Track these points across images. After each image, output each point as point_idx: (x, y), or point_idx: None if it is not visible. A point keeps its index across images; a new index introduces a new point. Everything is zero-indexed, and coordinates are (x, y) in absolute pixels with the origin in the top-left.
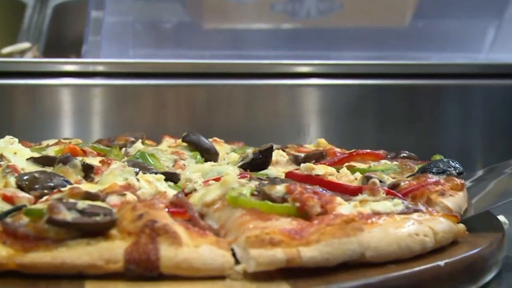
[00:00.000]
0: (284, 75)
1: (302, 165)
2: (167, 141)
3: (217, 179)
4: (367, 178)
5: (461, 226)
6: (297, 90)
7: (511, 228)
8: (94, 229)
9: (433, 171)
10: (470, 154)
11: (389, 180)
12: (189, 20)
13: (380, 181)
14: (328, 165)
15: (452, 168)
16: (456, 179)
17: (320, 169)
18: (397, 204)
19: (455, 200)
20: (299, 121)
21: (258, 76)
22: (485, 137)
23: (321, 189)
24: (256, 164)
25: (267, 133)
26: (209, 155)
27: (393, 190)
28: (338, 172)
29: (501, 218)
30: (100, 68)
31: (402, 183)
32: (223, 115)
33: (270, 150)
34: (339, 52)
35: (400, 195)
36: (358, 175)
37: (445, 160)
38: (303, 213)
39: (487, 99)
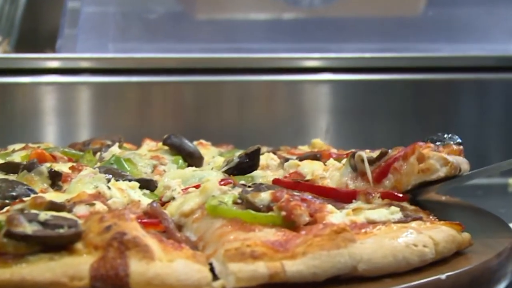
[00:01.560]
0: (283, 70)
1: (286, 163)
2: (148, 145)
3: (197, 186)
4: (352, 156)
5: (466, 235)
6: (297, 87)
7: None
8: (57, 243)
9: None
10: (487, 154)
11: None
12: (179, 10)
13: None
14: None
15: (448, 139)
16: (454, 146)
17: (306, 165)
18: (394, 212)
19: (453, 156)
20: (299, 121)
21: (253, 71)
22: (503, 137)
23: (311, 196)
24: (242, 168)
25: (263, 134)
26: (193, 159)
27: (381, 159)
28: (325, 165)
29: None
30: (79, 64)
31: (390, 151)
32: (215, 115)
33: (257, 153)
34: (344, 44)
35: (398, 195)
36: (344, 161)
37: (440, 133)
38: (289, 223)
39: (506, 95)
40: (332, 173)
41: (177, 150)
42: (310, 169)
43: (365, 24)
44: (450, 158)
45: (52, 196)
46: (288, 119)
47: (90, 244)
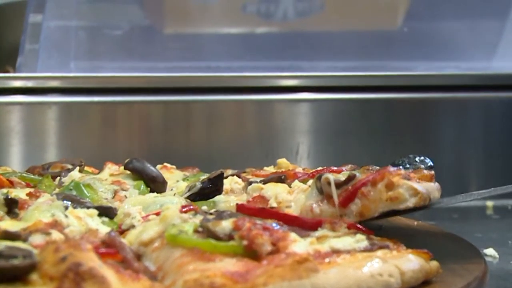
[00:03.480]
0: (253, 89)
1: (249, 187)
2: (110, 168)
3: (158, 213)
4: (319, 178)
5: (434, 263)
6: (269, 106)
7: (501, 263)
8: (11, 274)
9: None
10: (465, 177)
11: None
12: (146, 25)
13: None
14: None
15: (419, 162)
16: (425, 170)
17: (269, 189)
18: (360, 240)
19: (424, 184)
20: (270, 141)
21: (223, 90)
22: (482, 157)
23: (275, 224)
24: (205, 194)
25: (234, 156)
26: (155, 184)
27: (349, 182)
28: (290, 187)
29: (490, 251)
30: (42, 83)
31: (358, 175)
32: (183, 136)
33: (220, 178)
34: (318, 62)
35: (363, 229)
36: (311, 182)
37: (411, 156)
38: (251, 252)
39: (485, 114)
40: (297, 196)
41: (139, 174)
42: (274, 192)
43: (340, 39)
44: (420, 188)
45: (8, 224)
46: (260, 140)
47: (46, 275)
